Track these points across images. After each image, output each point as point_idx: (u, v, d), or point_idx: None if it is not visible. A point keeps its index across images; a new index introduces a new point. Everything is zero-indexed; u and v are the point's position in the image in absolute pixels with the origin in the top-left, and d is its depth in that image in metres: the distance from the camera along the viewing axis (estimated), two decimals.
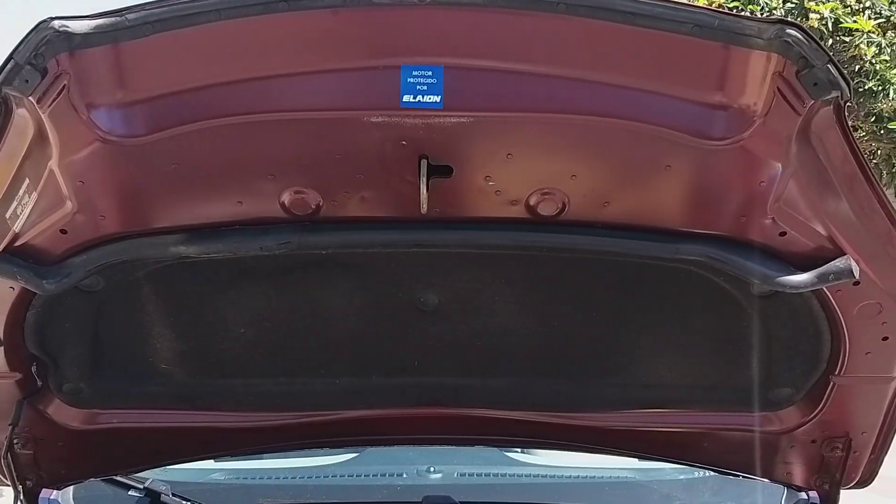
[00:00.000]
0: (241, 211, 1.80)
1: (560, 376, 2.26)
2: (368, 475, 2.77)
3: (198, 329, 2.14)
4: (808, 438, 2.31)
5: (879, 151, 11.30)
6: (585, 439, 2.39)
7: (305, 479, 2.71)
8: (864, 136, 10.92)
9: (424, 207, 1.72)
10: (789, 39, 1.51)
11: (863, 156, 1.75)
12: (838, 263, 1.81)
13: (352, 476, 2.76)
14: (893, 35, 8.85)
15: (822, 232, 1.81)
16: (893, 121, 10.07)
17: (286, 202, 1.77)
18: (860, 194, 1.76)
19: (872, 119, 10.46)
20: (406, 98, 1.60)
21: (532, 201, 1.79)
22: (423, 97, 1.60)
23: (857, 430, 2.28)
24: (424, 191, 1.69)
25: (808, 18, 7.71)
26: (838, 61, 2.12)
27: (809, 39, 1.51)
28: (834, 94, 1.56)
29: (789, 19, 2.00)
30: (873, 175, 1.77)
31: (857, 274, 1.79)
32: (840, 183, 1.74)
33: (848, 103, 1.59)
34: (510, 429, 2.36)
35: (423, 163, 1.69)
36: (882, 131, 10.27)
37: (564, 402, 2.30)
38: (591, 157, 1.73)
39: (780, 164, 1.69)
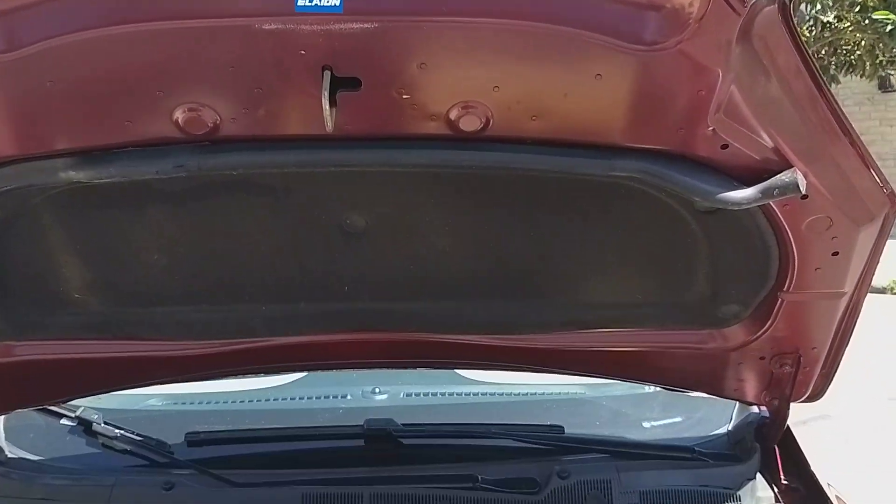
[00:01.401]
0: (132, 132, 1.64)
1: (499, 298, 2.15)
2: (311, 398, 2.69)
3: (107, 256, 2.00)
4: (757, 355, 2.23)
5: (863, 42, 11.05)
6: (528, 361, 2.30)
7: (243, 404, 2.63)
8: (848, 26, 10.66)
9: (330, 125, 1.56)
10: None
11: (812, 60, 1.59)
12: (784, 177, 1.67)
13: (293, 399, 2.68)
14: None
15: (767, 143, 1.67)
16: (878, 10, 9.81)
17: (180, 121, 1.61)
18: (807, 102, 1.62)
19: (857, 9, 10.19)
20: (301, 2, 1.43)
21: (452, 116, 1.63)
22: (319, 0, 1.43)
23: (807, 346, 2.20)
24: (328, 106, 1.53)
25: None
26: None
27: None
28: None
29: None
30: (822, 80, 1.62)
31: (803, 188, 1.66)
32: (785, 90, 1.59)
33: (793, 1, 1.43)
34: (449, 352, 2.26)
35: (326, 74, 1.51)
36: (866, 21, 10.03)
37: (504, 324, 2.20)
38: (513, 67, 1.56)
39: (719, 71, 1.53)
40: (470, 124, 1.65)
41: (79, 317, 2.11)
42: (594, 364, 2.36)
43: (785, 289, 2.01)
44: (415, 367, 2.43)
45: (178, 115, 1.59)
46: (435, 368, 2.44)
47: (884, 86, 15.53)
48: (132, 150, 1.67)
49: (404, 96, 1.59)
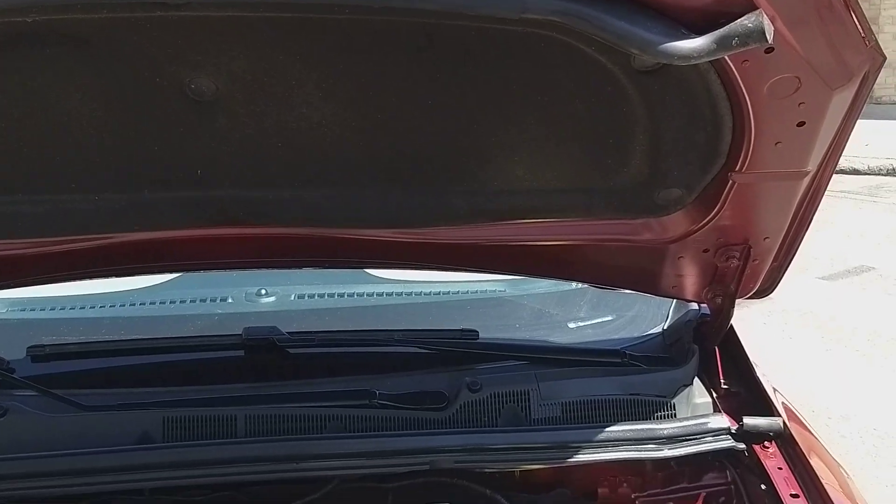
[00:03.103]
0: None
1: (393, 184, 1.74)
2: (183, 302, 2.28)
3: None
4: (700, 247, 1.89)
5: None
6: (432, 259, 1.93)
7: (101, 310, 2.22)
8: None
9: None
10: None
11: None
12: (746, 22, 1.28)
13: (162, 304, 2.28)
14: None
15: None
16: None
17: None
18: None
19: None
20: None
21: None
22: None
23: (758, 235, 1.87)
24: None
25: None
26: None
27: None
28: None
29: None
30: None
31: (769, 36, 1.27)
32: None
33: None
34: (337, 250, 1.88)
35: None
36: None
37: (401, 215, 1.79)
38: None
39: None
40: None
41: None
42: (511, 261, 2.01)
43: (737, 168, 1.65)
44: (296, 268, 2.05)
45: None
46: (320, 268, 2.04)
47: None
48: None
49: None
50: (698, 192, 1.75)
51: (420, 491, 2.00)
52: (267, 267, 1.97)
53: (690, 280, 2.01)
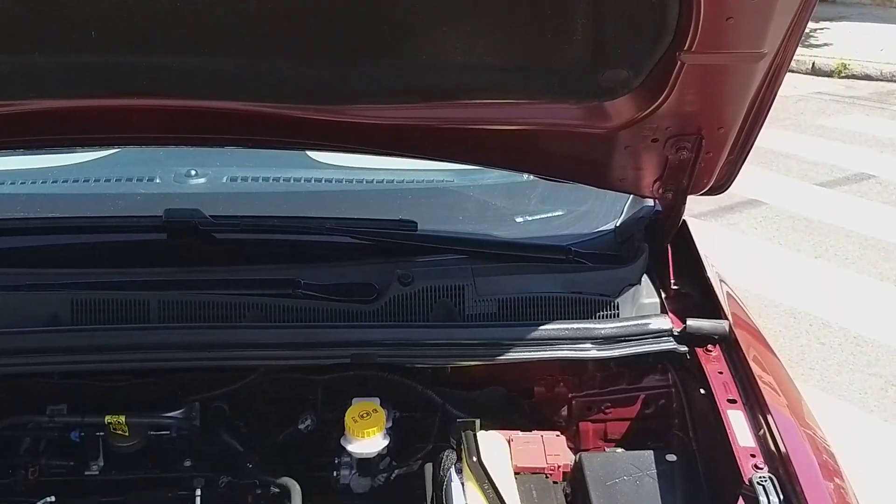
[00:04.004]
0: None
1: (310, 56, 1.59)
2: (107, 180, 2.15)
3: None
4: (649, 136, 1.75)
5: None
6: (358, 140, 1.79)
7: (15, 186, 2.09)
8: None
9: None
10: None
11: None
12: None
13: (84, 182, 2.14)
14: None
15: None
16: None
17: None
18: None
19: None
20: None
21: None
22: None
23: (711, 125, 1.72)
24: None
25: None
26: None
27: None
28: None
29: None
30: None
31: None
32: None
33: None
34: (248, 127, 1.73)
35: None
36: None
37: (320, 90, 1.63)
38: None
39: None
40: None
41: None
42: (449, 147, 1.86)
43: (686, 47, 1.49)
44: (211, 146, 1.90)
45: None
46: (239, 147, 1.90)
47: None
48: None
49: None
50: (645, 73, 1.59)
51: (350, 385, 1.93)
52: (178, 144, 1.83)
53: (639, 173, 1.87)
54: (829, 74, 10.32)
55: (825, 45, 11.25)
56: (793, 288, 5.05)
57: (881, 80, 9.95)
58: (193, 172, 2.16)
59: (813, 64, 10.48)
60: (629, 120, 1.70)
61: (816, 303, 4.86)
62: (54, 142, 1.82)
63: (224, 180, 2.18)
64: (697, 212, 6.13)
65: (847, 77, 10.19)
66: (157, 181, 2.16)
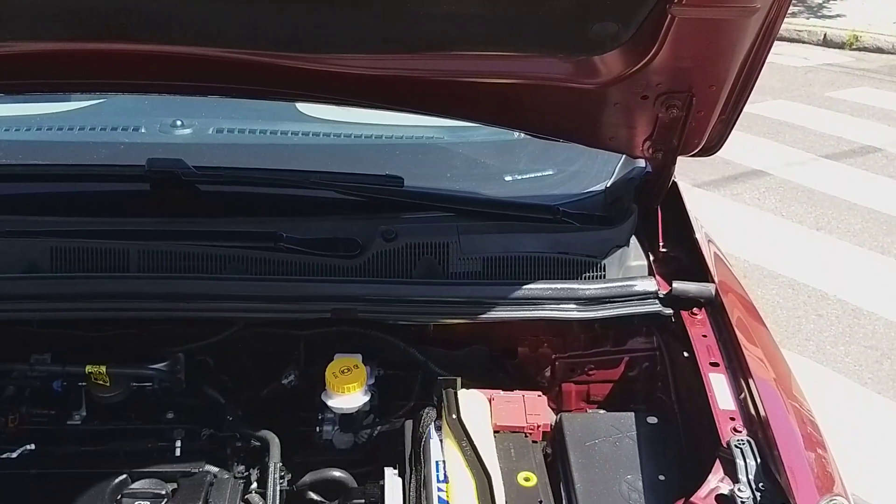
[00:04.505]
0: None
1: (294, 2, 1.55)
2: (92, 129, 2.12)
3: None
4: (638, 93, 1.71)
5: None
6: (348, 92, 1.75)
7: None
8: None
9: None
10: None
11: None
12: None
13: (69, 130, 2.11)
14: None
15: None
16: None
17: None
18: None
19: None
20: None
21: None
22: None
23: (702, 83, 1.68)
24: None
25: None
26: None
27: None
28: None
29: None
30: None
31: None
32: None
33: None
34: (238, 75, 1.69)
35: None
36: None
37: (304, 38, 1.60)
38: None
39: None
40: None
41: None
42: (438, 100, 1.83)
43: (677, 0, 1.45)
44: (195, 95, 1.87)
45: None
46: (224, 96, 1.86)
47: None
48: None
49: None
50: (635, 27, 1.55)
51: (334, 341, 1.91)
52: (158, 91, 1.80)
53: (629, 131, 1.84)
54: (841, 46, 10.18)
55: (838, 16, 11.09)
56: (793, 259, 5.01)
57: (892, 53, 9.80)
58: (179, 123, 2.13)
59: (825, 35, 10.34)
60: (619, 75, 1.66)
61: (816, 275, 4.83)
62: (32, 87, 1.79)
63: (210, 131, 2.15)
64: (701, 181, 6.09)
65: (858, 49, 10.05)
66: (143, 131, 2.13)
